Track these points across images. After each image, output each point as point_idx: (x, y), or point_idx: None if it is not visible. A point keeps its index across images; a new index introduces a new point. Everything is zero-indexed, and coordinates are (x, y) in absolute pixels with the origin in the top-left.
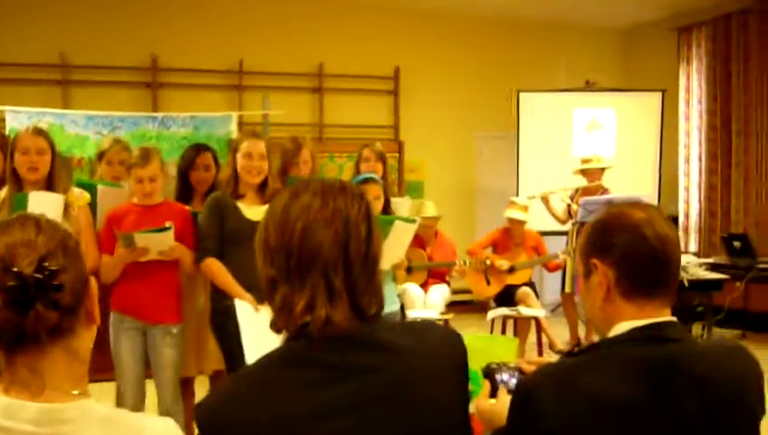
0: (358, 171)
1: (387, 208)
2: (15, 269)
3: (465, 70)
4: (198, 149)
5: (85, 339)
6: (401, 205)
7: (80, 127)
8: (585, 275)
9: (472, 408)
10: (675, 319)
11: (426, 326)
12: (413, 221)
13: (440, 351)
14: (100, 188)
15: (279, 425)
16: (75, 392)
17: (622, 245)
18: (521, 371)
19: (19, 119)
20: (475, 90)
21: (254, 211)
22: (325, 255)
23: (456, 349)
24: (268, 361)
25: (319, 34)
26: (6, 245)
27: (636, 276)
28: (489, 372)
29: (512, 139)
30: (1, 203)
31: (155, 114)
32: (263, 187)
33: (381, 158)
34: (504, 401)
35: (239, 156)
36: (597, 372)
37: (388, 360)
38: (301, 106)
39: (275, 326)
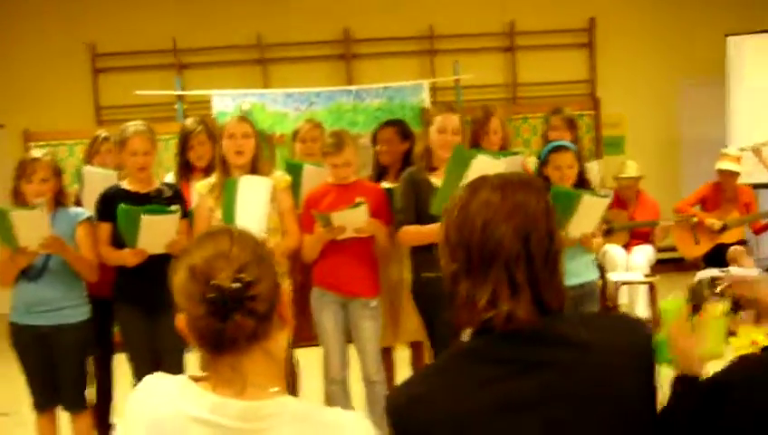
0: (546, 139)
1: (582, 176)
2: (215, 283)
3: (667, 15)
4: (381, 125)
5: (279, 341)
6: (591, 170)
7: (279, 105)
8: None
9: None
10: None
11: (609, 318)
12: (604, 196)
13: (624, 344)
14: (306, 167)
15: (464, 420)
16: (273, 390)
17: None
18: (736, 301)
19: (224, 101)
20: (678, 35)
21: None
22: (506, 249)
23: (640, 341)
24: (455, 356)
25: None
26: (206, 257)
27: None
28: (697, 289)
29: (719, 85)
30: (212, 188)
31: (349, 87)
32: None
33: (570, 124)
34: (691, 342)
35: (433, 130)
36: None
37: (571, 355)
38: (492, 67)
39: (458, 321)
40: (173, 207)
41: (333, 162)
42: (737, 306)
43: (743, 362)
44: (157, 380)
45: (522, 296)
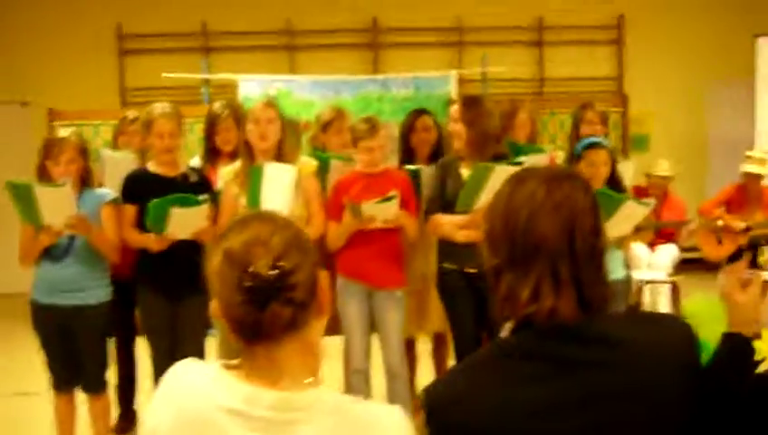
0: (577, 134)
1: (614, 174)
2: (252, 270)
3: (696, 14)
4: (418, 113)
5: (317, 330)
6: (626, 169)
7: (306, 92)
8: None
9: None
10: None
11: (655, 318)
12: (647, 205)
13: (670, 344)
14: (333, 162)
15: (506, 420)
16: (308, 381)
17: None
18: None
19: (251, 86)
20: (708, 34)
21: None
22: (550, 243)
23: (686, 342)
24: (495, 351)
25: None
26: (244, 243)
27: None
28: (755, 244)
29: (748, 86)
30: (236, 174)
31: (376, 77)
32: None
33: (604, 119)
34: (752, 297)
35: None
36: None
37: (615, 354)
38: (520, 61)
39: (500, 314)
40: (201, 197)
41: (368, 145)
42: None
43: None
44: (188, 366)
45: (565, 292)
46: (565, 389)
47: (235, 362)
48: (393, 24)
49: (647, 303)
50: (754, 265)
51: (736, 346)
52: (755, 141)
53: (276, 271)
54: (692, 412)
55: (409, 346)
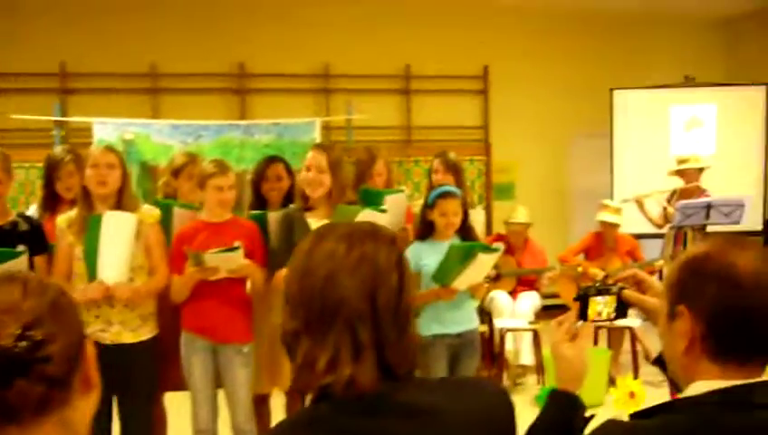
0: (430, 183)
1: (465, 223)
2: None
3: (557, 67)
4: (270, 160)
5: (82, 409)
6: (478, 216)
7: (165, 136)
8: (669, 315)
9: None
10: None
11: (467, 385)
12: (496, 250)
13: (484, 415)
14: (176, 209)
15: None
16: None
17: (716, 297)
18: (621, 296)
19: (106, 130)
20: (568, 88)
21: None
22: (350, 305)
23: (501, 411)
24: (291, 425)
25: (405, 35)
26: None
27: (727, 339)
28: (583, 295)
29: (606, 138)
30: (71, 222)
31: (238, 122)
32: (329, 199)
33: (452, 168)
34: (579, 352)
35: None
36: None
37: (419, 427)
38: (387, 109)
39: (297, 386)
40: (20, 249)
41: (220, 184)
42: (622, 306)
43: (607, 428)
44: None
45: (365, 359)
46: None
47: None
48: (260, 70)
49: (509, 350)
50: (584, 316)
51: (562, 406)
52: (613, 191)
53: (24, 342)
54: None
55: (263, 401)
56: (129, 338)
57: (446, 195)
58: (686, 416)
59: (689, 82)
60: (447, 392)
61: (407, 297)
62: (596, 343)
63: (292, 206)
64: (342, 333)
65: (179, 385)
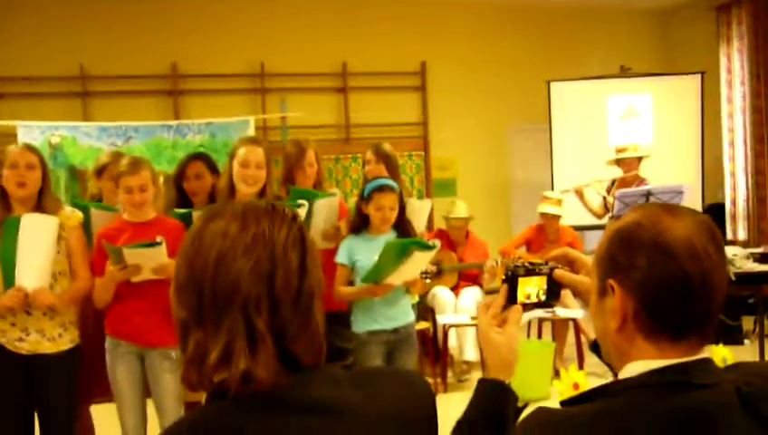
0: (366, 176)
1: (401, 217)
2: None
3: (494, 61)
4: (189, 158)
5: None
6: (421, 209)
7: (93, 139)
8: (599, 292)
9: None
10: (707, 356)
11: (380, 376)
12: (432, 247)
13: (397, 407)
14: (93, 211)
15: None
16: None
17: (648, 268)
18: (552, 276)
19: (32, 133)
20: (505, 81)
21: None
22: (244, 289)
23: (416, 402)
24: (188, 425)
25: (341, 33)
26: None
27: (661, 314)
28: (511, 276)
29: (545, 130)
30: None
31: (170, 123)
32: (262, 196)
33: (383, 158)
34: (508, 338)
35: (235, 163)
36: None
37: (326, 425)
38: (325, 107)
39: (185, 382)
40: None
41: (128, 184)
42: (554, 287)
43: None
44: None
45: (263, 350)
46: None
47: None
48: (194, 70)
49: (453, 346)
50: (513, 299)
51: (490, 395)
52: (553, 182)
53: None
54: None
55: (194, 409)
56: (48, 348)
57: (382, 188)
58: (620, 400)
59: (625, 72)
60: (357, 385)
61: (310, 280)
62: (540, 335)
63: (216, 204)
64: (237, 322)
65: (107, 394)
